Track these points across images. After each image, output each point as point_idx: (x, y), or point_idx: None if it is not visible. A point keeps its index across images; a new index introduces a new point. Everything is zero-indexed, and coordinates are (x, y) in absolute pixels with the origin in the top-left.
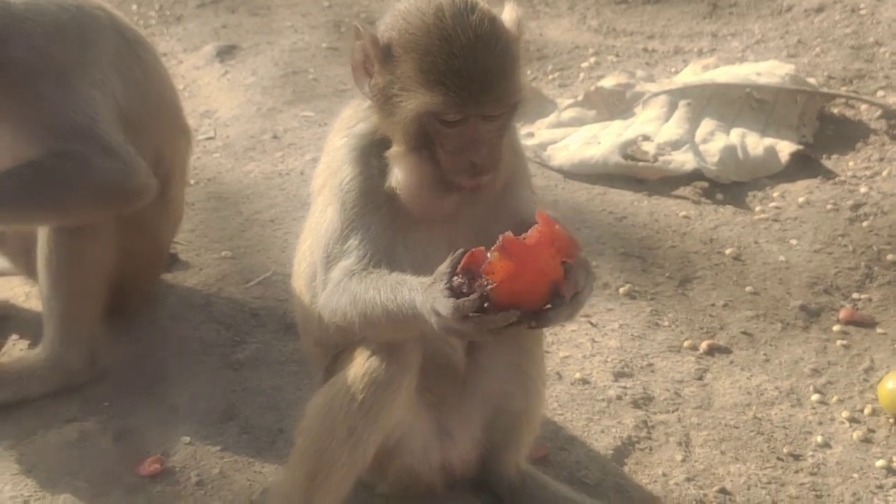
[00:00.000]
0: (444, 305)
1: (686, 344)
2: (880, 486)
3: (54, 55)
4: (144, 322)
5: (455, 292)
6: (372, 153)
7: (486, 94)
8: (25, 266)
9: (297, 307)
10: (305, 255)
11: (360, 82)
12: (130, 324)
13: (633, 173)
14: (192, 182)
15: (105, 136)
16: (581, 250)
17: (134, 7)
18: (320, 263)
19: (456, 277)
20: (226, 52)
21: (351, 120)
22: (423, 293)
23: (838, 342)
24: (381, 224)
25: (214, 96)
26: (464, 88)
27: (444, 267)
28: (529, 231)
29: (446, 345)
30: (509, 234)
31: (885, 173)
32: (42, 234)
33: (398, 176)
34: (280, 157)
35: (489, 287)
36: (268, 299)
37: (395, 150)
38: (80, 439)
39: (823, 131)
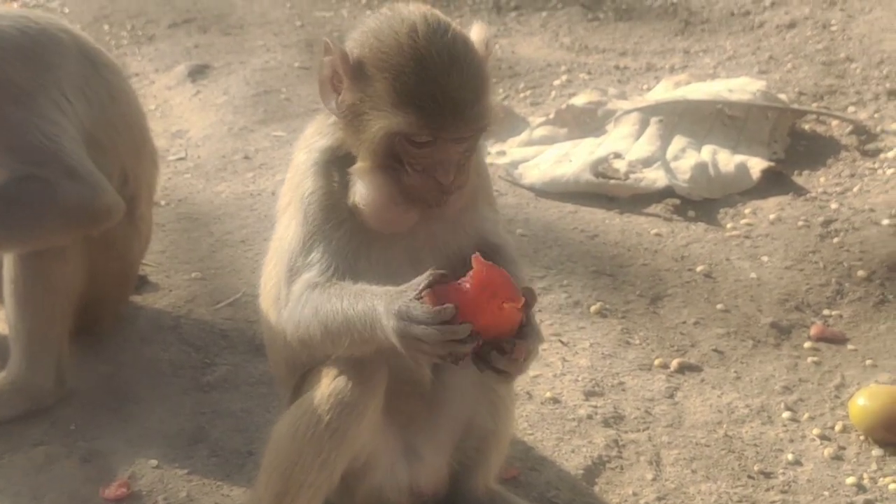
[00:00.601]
0: (424, 310)
1: (657, 362)
2: None
3: (15, 78)
4: (113, 344)
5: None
6: (335, 168)
7: (457, 117)
8: None
9: (263, 327)
10: (271, 274)
11: (326, 98)
12: (99, 345)
13: (605, 191)
14: (162, 203)
15: (69, 158)
16: (522, 298)
17: (106, 27)
18: (283, 278)
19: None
20: (198, 72)
21: (314, 136)
22: (388, 298)
23: (809, 359)
24: (345, 237)
25: (186, 116)
26: (436, 111)
27: (421, 279)
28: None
29: (413, 363)
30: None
31: (855, 189)
32: (8, 255)
33: (361, 191)
34: (251, 177)
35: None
36: (238, 321)
37: (359, 166)
38: (47, 462)
39: (795, 147)
